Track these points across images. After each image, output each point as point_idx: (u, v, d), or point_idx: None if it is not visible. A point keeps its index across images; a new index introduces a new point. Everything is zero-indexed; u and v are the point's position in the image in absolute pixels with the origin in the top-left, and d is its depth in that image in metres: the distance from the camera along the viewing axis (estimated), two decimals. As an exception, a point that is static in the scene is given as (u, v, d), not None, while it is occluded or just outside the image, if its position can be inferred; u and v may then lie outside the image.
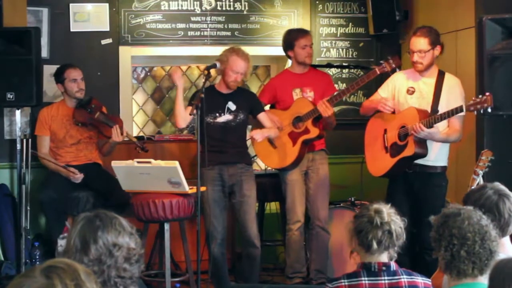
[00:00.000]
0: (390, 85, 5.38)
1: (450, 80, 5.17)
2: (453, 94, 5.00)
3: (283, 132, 5.81)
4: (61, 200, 5.61)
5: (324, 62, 6.83)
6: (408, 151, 5.07)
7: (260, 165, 7.33)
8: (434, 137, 5.02)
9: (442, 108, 5.03)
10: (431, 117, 4.95)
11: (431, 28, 5.23)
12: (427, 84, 5.19)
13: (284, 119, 5.81)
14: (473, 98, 4.76)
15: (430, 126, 4.94)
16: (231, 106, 5.53)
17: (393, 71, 5.46)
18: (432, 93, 5.13)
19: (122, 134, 5.77)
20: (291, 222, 5.84)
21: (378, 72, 5.43)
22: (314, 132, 5.71)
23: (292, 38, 5.90)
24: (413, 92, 5.22)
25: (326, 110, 5.53)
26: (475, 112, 4.80)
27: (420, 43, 5.13)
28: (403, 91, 5.27)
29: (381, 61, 5.52)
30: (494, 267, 2.31)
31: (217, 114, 5.50)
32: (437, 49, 5.17)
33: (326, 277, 5.70)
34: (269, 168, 7.26)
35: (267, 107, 6.01)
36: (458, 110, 4.82)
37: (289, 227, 5.85)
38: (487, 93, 4.71)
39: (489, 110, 4.71)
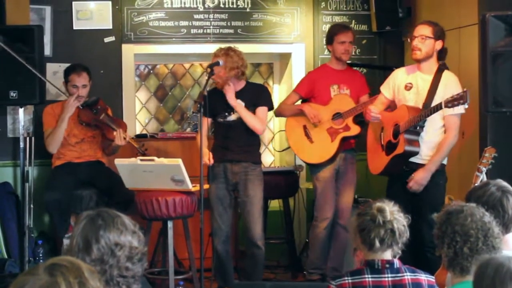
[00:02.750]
0: (390, 82, 5.38)
1: (447, 77, 5.15)
2: (449, 91, 4.98)
3: (321, 127, 5.81)
4: (66, 199, 5.62)
5: (327, 59, 6.81)
6: (399, 149, 5.08)
7: (263, 162, 7.33)
8: (434, 169, 5.06)
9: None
10: (416, 115, 4.96)
11: (438, 23, 5.24)
12: (424, 80, 5.17)
13: (323, 114, 5.81)
14: (452, 95, 4.78)
15: (416, 125, 4.98)
16: (240, 103, 5.51)
17: None
18: (427, 89, 5.12)
19: (125, 138, 5.76)
20: (319, 219, 5.84)
21: None
22: (355, 129, 5.71)
23: (332, 33, 5.93)
24: (410, 88, 5.21)
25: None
26: (454, 109, 4.84)
27: (422, 28, 5.14)
28: (401, 87, 5.26)
29: None
30: (478, 269, 2.27)
31: (226, 114, 5.49)
32: (439, 43, 5.16)
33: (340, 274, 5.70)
34: (272, 165, 7.29)
35: (299, 102, 6.02)
36: (438, 107, 4.85)
37: (316, 223, 5.86)
38: (465, 89, 4.73)
39: (466, 106, 4.75)
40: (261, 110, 5.54)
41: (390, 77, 5.41)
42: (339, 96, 5.84)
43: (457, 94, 4.74)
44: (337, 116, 5.77)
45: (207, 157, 5.36)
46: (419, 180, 5.05)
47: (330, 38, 5.93)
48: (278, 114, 6.20)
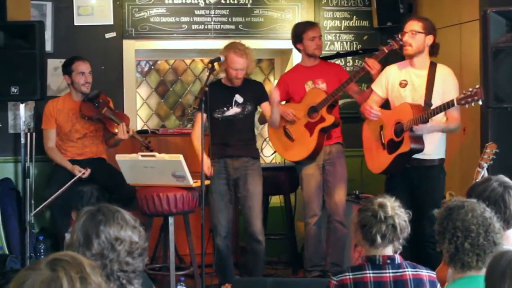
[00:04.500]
0: (383, 79, 5.36)
1: (442, 71, 5.14)
2: (446, 85, 4.98)
3: (299, 124, 5.81)
4: (66, 196, 5.62)
5: (328, 55, 6.81)
6: (404, 147, 5.06)
7: (264, 158, 7.33)
8: (436, 128, 5.01)
9: (435, 100, 5.01)
10: (424, 112, 4.93)
11: (428, 19, 5.24)
12: (419, 76, 5.16)
13: (299, 111, 5.80)
14: (464, 92, 4.76)
15: (424, 121, 4.93)
16: (238, 98, 5.52)
17: (401, 48, 5.40)
18: (424, 85, 5.11)
19: (128, 132, 5.76)
20: (308, 216, 5.86)
21: (386, 51, 5.40)
22: (329, 119, 5.69)
23: (300, 31, 5.91)
24: (405, 85, 5.20)
25: (374, 64, 5.48)
26: (467, 106, 4.78)
27: (412, 24, 5.16)
28: (395, 84, 5.25)
29: (388, 40, 5.47)
30: (492, 260, 2.30)
31: (225, 108, 5.50)
32: (430, 38, 5.14)
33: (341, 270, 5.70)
34: (273, 161, 7.29)
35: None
36: (449, 104, 4.81)
37: (307, 221, 5.87)
38: (477, 86, 4.70)
39: (480, 102, 4.68)
40: (268, 105, 5.61)
41: (382, 74, 5.39)
42: (311, 91, 5.84)
43: (470, 91, 4.68)
44: (311, 110, 5.77)
45: (207, 167, 5.31)
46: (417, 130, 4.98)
47: (299, 36, 5.91)
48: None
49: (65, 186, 5.48)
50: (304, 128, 5.80)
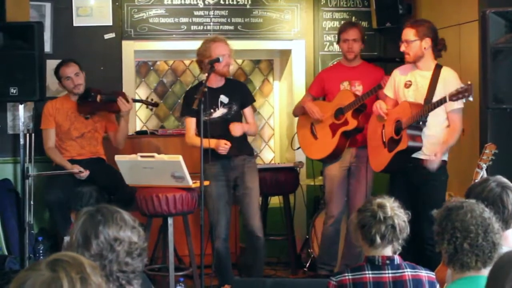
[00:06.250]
0: (392, 82, 5.38)
1: (446, 73, 5.15)
2: (450, 86, 4.98)
3: (325, 123, 5.83)
4: (66, 197, 5.64)
5: (327, 56, 6.81)
6: (402, 145, 5.08)
7: (262, 159, 7.34)
8: (444, 151, 5.05)
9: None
10: (420, 110, 4.95)
11: (424, 20, 5.25)
12: (423, 77, 5.17)
13: (327, 111, 5.81)
14: (456, 89, 4.77)
15: (418, 121, 4.96)
16: (224, 99, 5.50)
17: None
18: (427, 86, 5.12)
19: (128, 102, 5.83)
20: (327, 217, 5.92)
21: None
22: (352, 123, 5.67)
23: (338, 31, 5.99)
24: (409, 86, 5.22)
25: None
26: (454, 105, 4.81)
27: (406, 33, 5.17)
28: (401, 85, 5.26)
29: None
30: (498, 259, 2.30)
31: (212, 110, 5.46)
32: (426, 42, 5.14)
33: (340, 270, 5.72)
34: (272, 162, 7.30)
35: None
36: (442, 101, 4.85)
37: (325, 220, 5.93)
38: (469, 82, 4.72)
39: (470, 98, 4.71)
40: (250, 111, 5.69)
41: (391, 77, 5.41)
42: (342, 92, 5.82)
43: (461, 88, 4.74)
44: (338, 111, 5.77)
45: (222, 143, 5.32)
46: (429, 165, 5.04)
47: (338, 36, 5.97)
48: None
49: (64, 171, 5.72)
50: (328, 128, 5.81)
